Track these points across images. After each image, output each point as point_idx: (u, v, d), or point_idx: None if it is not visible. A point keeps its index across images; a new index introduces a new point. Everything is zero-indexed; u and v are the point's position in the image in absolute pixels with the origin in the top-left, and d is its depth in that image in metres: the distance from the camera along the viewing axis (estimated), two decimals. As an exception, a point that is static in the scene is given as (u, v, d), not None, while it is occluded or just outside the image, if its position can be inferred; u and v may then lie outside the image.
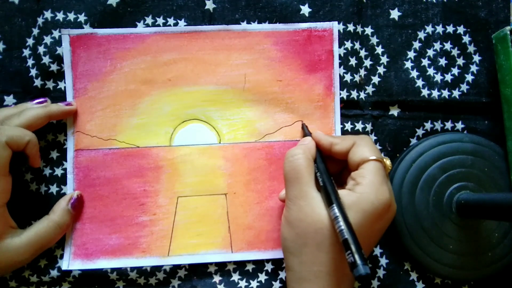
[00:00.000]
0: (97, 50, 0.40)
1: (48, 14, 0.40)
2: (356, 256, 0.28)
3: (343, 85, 0.42)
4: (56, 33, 0.40)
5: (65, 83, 0.40)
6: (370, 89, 0.42)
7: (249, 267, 0.40)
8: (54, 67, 0.40)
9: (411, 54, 0.43)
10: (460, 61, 0.43)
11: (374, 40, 0.43)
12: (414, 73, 0.43)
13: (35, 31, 0.40)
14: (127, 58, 0.41)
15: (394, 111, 0.43)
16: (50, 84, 0.40)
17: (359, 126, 0.42)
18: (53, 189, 0.40)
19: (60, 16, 0.40)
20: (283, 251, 0.35)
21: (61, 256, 0.39)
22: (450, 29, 0.43)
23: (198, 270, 0.40)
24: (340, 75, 0.42)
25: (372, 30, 0.43)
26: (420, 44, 0.43)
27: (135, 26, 0.41)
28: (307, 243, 0.32)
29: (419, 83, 0.42)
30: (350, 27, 0.42)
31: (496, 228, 0.40)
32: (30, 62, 0.40)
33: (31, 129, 0.36)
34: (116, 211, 0.40)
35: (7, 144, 0.34)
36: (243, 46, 0.41)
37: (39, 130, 0.37)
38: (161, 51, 0.41)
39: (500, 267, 0.40)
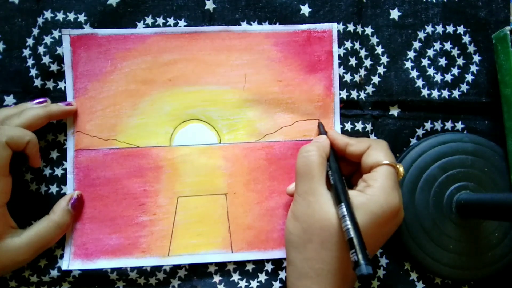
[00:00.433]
0: (98, 50, 0.41)
1: (48, 14, 0.40)
2: (360, 256, 0.28)
3: (343, 85, 0.42)
4: (56, 33, 0.40)
5: (65, 83, 0.40)
6: (370, 89, 0.42)
7: (249, 267, 0.40)
8: (54, 67, 0.40)
9: (411, 54, 0.43)
10: (460, 61, 0.43)
11: (374, 40, 0.43)
12: (414, 73, 0.43)
13: (35, 31, 0.40)
14: (127, 58, 0.41)
15: (394, 111, 0.43)
16: (50, 84, 0.40)
17: (359, 126, 0.42)
18: (53, 189, 0.40)
19: (60, 16, 0.40)
20: (286, 246, 0.35)
21: (61, 256, 0.39)
22: (450, 29, 0.43)
23: (198, 270, 0.40)
24: (340, 75, 0.42)
25: (372, 30, 0.43)
26: (420, 44, 0.43)
27: (135, 26, 0.41)
28: (312, 239, 0.32)
29: (419, 83, 0.42)
30: (350, 27, 0.42)
31: (496, 228, 0.40)
32: (30, 62, 0.40)
33: (31, 129, 0.36)
34: (116, 211, 0.40)
35: (7, 144, 0.34)
36: (243, 47, 0.41)
37: (39, 130, 0.37)
38: (161, 51, 0.41)
39: (500, 267, 0.40)
